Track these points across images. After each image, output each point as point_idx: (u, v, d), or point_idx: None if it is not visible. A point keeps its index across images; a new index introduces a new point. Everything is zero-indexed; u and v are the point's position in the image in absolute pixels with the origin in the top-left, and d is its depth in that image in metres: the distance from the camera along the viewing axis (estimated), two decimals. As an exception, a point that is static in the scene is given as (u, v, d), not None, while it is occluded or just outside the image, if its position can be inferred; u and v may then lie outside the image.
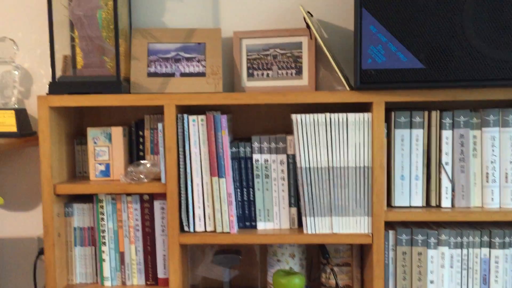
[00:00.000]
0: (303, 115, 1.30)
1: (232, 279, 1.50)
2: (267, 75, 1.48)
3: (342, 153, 1.30)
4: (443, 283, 1.32)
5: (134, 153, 1.45)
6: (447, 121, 1.31)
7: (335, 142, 1.30)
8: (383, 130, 1.29)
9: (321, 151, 1.31)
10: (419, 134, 1.32)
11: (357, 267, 1.45)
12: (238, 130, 1.55)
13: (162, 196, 1.38)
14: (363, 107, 1.38)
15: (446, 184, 1.32)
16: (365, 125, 1.29)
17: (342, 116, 1.29)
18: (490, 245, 1.32)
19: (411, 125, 1.32)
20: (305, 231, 1.33)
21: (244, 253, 1.54)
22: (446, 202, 1.33)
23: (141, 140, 1.44)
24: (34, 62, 1.56)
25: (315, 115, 1.30)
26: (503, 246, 1.31)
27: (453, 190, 1.33)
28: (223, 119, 1.32)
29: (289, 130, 1.52)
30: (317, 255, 1.54)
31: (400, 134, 1.33)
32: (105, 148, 1.40)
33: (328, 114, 1.30)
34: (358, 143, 1.30)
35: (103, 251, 1.39)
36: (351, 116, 1.29)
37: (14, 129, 1.39)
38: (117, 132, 1.39)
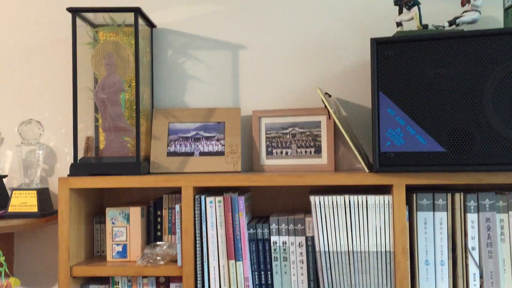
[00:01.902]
0: (321, 197, 1.28)
1: None
2: (286, 153, 1.48)
3: (363, 236, 1.26)
4: None
5: (152, 233, 1.44)
6: (472, 203, 1.27)
7: (355, 225, 1.27)
8: (405, 213, 1.25)
9: (341, 234, 1.27)
10: (443, 217, 1.28)
11: None
12: (257, 209, 1.53)
13: (179, 278, 1.35)
14: (384, 189, 1.35)
15: (473, 270, 1.26)
16: (385, 208, 1.26)
17: (361, 198, 1.27)
18: (525, 337, 1.23)
19: (434, 208, 1.28)
20: (325, 319, 1.27)
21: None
22: (474, 289, 1.26)
23: (159, 220, 1.44)
24: (59, 141, 1.60)
25: (334, 196, 1.27)
26: (539, 338, 1.22)
27: (481, 276, 1.26)
28: (241, 201, 1.30)
29: (308, 209, 1.49)
30: None
31: (422, 217, 1.28)
32: (123, 229, 1.39)
33: (347, 196, 1.27)
34: (378, 226, 1.26)
35: (118, 336, 1.36)
36: (371, 198, 1.26)
37: (35, 209, 1.41)
38: (135, 213, 1.39)
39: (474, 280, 1.26)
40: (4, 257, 1.28)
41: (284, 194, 1.52)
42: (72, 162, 1.37)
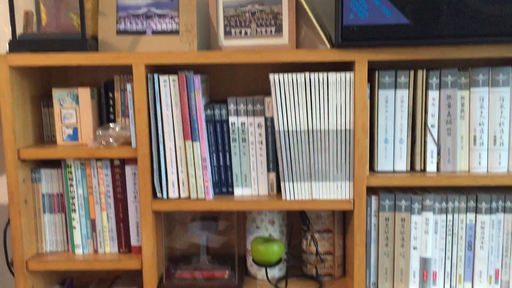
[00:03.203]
0: (281, 75, 1.22)
1: (209, 246, 1.45)
2: (246, 33, 1.39)
3: (323, 115, 1.23)
4: (426, 249, 1.27)
5: (104, 116, 1.37)
6: (434, 81, 1.24)
7: (315, 104, 1.23)
8: (366, 91, 1.21)
9: (301, 113, 1.23)
10: (404, 95, 1.25)
11: (339, 234, 1.40)
12: (215, 92, 1.47)
13: (134, 161, 1.31)
14: (346, 66, 1.30)
15: (431, 147, 1.26)
16: (347, 85, 1.22)
17: (322, 75, 1.22)
18: (476, 211, 1.26)
19: (395, 86, 1.25)
20: (283, 197, 1.27)
21: (222, 220, 1.49)
22: (431, 166, 1.27)
23: (111, 102, 1.36)
24: (-3, 19, 1.46)
25: (294, 74, 1.22)
26: (489, 211, 1.26)
27: (438, 153, 1.27)
28: (196, 79, 1.24)
29: (268, 92, 1.44)
30: (298, 221, 1.49)
31: (384, 95, 1.25)
32: (72, 111, 1.32)
33: (307, 73, 1.22)
34: (339, 104, 1.22)
35: (73, 218, 1.33)
36: (332, 75, 1.21)
37: (-26, 90, 1.30)
38: (85, 93, 1.31)
39: (432, 157, 1.27)
40: None
41: (243, 76, 1.46)
42: (11, 38, 1.25)
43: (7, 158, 1.25)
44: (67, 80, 1.46)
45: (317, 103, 1.23)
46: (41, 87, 1.40)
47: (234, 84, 1.46)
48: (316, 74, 1.21)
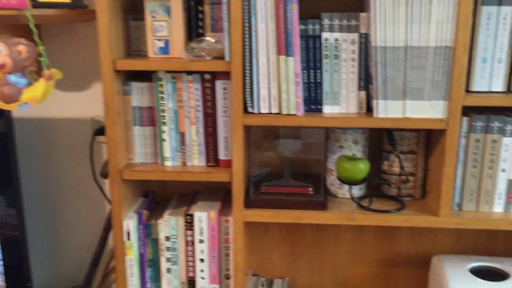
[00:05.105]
0: (382, -12, 1.18)
1: (292, 164, 1.47)
2: None
3: (423, 31, 1.20)
4: (515, 172, 1.27)
5: (193, 30, 1.36)
6: (542, -3, 1.19)
7: (416, 19, 1.19)
8: (470, 5, 1.17)
9: (400, 28, 1.21)
10: (508, 12, 1.21)
11: (421, 155, 1.40)
12: (302, 7, 1.43)
13: (224, 75, 1.31)
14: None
15: (531, 67, 1.23)
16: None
17: (425, -11, 1.18)
18: None
19: (500, 2, 1.20)
20: (375, 115, 1.27)
21: (305, 138, 1.50)
22: (528, 88, 1.24)
23: (200, 16, 1.35)
24: None
25: (396, -12, 1.18)
26: None
27: (539, 74, 1.24)
28: (294, -9, 1.21)
29: (356, 9, 1.41)
30: (379, 143, 1.49)
31: (486, 12, 1.21)
32: (164, 23, 1.31)
33: (410, -13, 1.18)
34: (440, 19, 1.19)
35: (164, 131, 1.36)
36: (436, -11, 1.17)
37: None
38: (177, 5, 1.29)
39: (531, 78, 1.24)
40: (43, 47, 1.21)
41: (330, -6, 1.41)
42: None
43: (103, 69, 1.27)
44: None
45: (418, 19, 1.19)
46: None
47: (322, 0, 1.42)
48: (419, -13, 1.17)
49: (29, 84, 1.23)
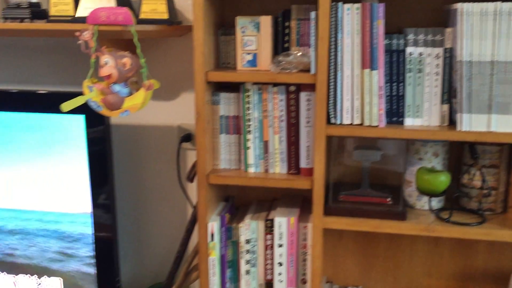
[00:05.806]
0: (469, 4, 1.20)
1: (370, 175, 1.50)
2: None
3: (510, 46, 1.21)
4: None
5: (280, 45, 1.43)
6: None
7: (503, 34, 1.21)
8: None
9: (486, 43, 1.22)
10: None
11: (504, 169, 1.39)
12: (385, 22, 1.47)
13: (308, 87, 1.37)
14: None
15: None
16: (540, 16, 1.18)
17: (514, 5, 1.19)
18: None
19: None
20: (458, 128, 1.28)
21: (384, 149, 1.52)
22: None
23: (286, 31, 1.42)
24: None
25: (483, 4, 1.20)
26: None
27: None
28: (381, 8, 1.25)
29: (439, 24, 1.43)
30: (459, 156, 1.50)
31: None
32: (253, 38, 1.39)
33: (498, 4, 1.19)
34: (529, 35, 1.20)
35: (248, 139, 1.44)
36: (525, 5, 1.18)
37: (165, 16, 1.41)
38: (266, 21, 1.37)
39: None
40: (144, 59, 1.32)
41: (414, 8, 1.44)
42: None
43: (196, 80, 1.36)
44: (239, 9, 1.53)
45: (506, 34, 1.21)
46: (219, 15, 1.49)
47: (405, 15, 1.45)
48: (506, 4, 1.19)
49: (130, 93, 1.34)
